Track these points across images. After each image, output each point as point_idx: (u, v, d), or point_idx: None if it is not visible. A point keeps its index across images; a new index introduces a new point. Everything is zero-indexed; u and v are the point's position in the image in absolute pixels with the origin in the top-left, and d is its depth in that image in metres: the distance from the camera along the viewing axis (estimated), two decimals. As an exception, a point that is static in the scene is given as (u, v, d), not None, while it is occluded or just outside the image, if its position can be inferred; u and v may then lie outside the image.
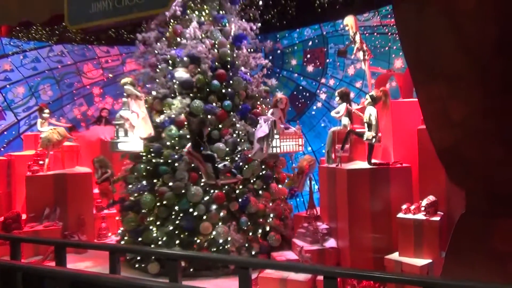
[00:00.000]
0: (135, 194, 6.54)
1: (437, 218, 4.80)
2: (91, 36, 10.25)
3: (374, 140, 5.34)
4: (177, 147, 6.40)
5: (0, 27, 6.55)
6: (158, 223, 6.23)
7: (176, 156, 6.31)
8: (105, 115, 9.34)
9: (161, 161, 6.39)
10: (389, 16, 7.80)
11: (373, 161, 5.39)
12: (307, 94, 9.08)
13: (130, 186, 6.65)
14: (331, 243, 5.54)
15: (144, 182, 6.37)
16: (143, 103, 6.11)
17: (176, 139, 6.46)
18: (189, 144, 5.35)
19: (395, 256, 4.91)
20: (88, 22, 5.74)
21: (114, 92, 10.36)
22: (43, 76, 9.71)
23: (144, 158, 6.55)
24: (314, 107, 9.00)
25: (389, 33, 7.79)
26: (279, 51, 9.34)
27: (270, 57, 9.30)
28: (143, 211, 6.39)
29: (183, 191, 6.12)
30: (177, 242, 6.02)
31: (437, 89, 4.44)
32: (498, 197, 3.93)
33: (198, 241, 6.02)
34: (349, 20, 6.52)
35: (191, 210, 6.11)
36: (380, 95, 5.32)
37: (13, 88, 9.21)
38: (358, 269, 4.21)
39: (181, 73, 6.73)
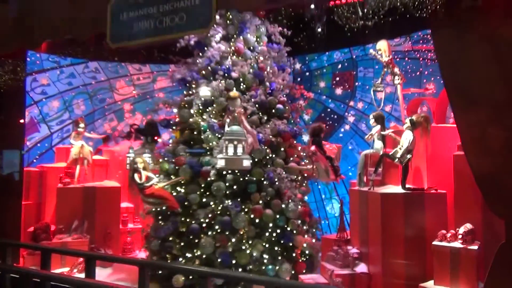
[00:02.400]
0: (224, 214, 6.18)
1: (475, 247, 4.67)
2: (123, 54, 10.59)
3: (397, 160, 5.30)
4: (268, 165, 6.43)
5: (42, 42, 6.81)
6: (250, 242, 6.04)
7: (268, 175, 6.28)
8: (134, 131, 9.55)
9: (254, 179, 6.27)
10: (421, 41, 7.81)
11: (407, 186, 5.32)
12: (335, 117, 9.10)
13: (211, 205, 6.24)
14: (362, 268, 5.43)
15: (229, 201, 6.11)
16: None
17: (268, 157, 6.48)
18: (312, 147, 6.13)
19: (430, 284, 4.77)
20: (129, 41, 5.96)
21: (144, 108, 10.60)
22: (78, 91, 10.02)
23: (228, 176, 6.28)
24: (342, 130, 8.99)
25: (421, 58, 7.79)
26: (307, 73, 9.43)
27: (299, 79, 9.41)
28: (225, 232, 6.05)
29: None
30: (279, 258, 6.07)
31: (476, 116, 4.41)
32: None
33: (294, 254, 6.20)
34: (382, 45, 6.57)
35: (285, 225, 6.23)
36: (420, 120, 5.29)
37: (49, 102, 9.52)
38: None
39: (205, 91, 6.88)
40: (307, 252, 6.44)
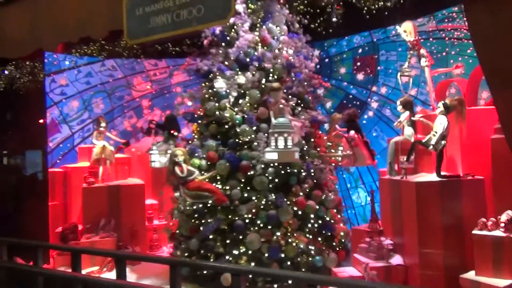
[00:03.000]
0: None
1: (519, 235, 4.44)
2: (138, 50, 10.51)
3: (432, 147, 5.07)
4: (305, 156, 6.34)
5: (59, 44, 6.74)
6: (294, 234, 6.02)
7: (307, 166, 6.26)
8: (154, 126, 9.51)
9: (295, 171, 6.21)
10: (446, 20, 7.47)
11: (442, 173, 5.10)
12: (358, 103, 8.83)
13: (253, 199, 6.11)
14: (397, 259, 5.27)
15: (272, 195, 6.02)
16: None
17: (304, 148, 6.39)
18: (352, 132, 6.15)
19: (471, 275, 4.57)
20: (147, 37, 5.82)
21: (162, 104, 10.54)
22: (96, 90, 10.00)
23: (270, 169, 6.14)
24: (365, 116, 8.73)
25: (446, 38, 7.45)
26: (327, 60, 9.17)
27: (318, 66, 9.16)
28: (268, 227, 5.96)
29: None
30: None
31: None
32: None
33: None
34: (407, 26, 6.28)
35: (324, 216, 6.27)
36: (454, 103, 5.03)
37: (68, 102, 9.53)
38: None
39: (221, 83, 6.72)
40: (343, 240, 6.45)
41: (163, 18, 5.78)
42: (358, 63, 8.89)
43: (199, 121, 6.96)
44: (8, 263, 6.00)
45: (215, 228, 5.97)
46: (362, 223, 8.53)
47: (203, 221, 6.18)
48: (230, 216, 6.01)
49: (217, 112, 6.51)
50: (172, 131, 7.11)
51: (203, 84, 7.32)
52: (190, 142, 6.97)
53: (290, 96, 6.42)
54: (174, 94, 10.65)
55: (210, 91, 6.89)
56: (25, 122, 7.78)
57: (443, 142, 4.98)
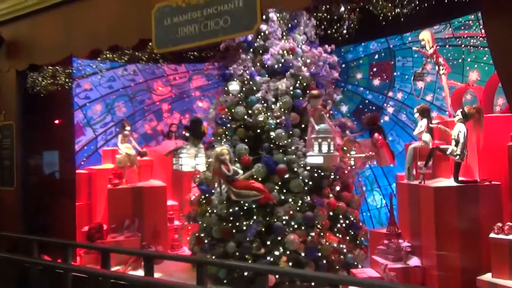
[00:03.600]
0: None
1: (535, 239, 4.61)
2: (157, 55, 10.80)
3: (458, 157, 5.25)
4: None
5: (89, 50, 7.04)
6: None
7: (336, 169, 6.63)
8: (174, 130, 9.81)
9: (327, 173, 6.57)
10: (462, 27, 7.62)
11: (459, 178, 5.28)
12: (374, 108, 9.02)
13: (289, 201, 6.33)
14: (415, 261, 5.47)
15: (308, 197, 6.30)
16: None
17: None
18: (375, 134, 6.37)
19: (488, 277, 4.76)
20: (174, 46, 6.09)
21: (181, 108, 10.84)
22: (118, 94, 10.34)
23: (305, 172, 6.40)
24: (382, 121, 8.88)
25: (463, 45, 7.60)
26: (343, 65, 9.37)
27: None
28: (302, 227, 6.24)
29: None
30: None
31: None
32: None
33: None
34: (425, 35, 6.48)
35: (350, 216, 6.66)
36: (472, 111, 5.23)
37: (92, 106, 9.89)
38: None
39: (235, 86, 6.97)
40: (362, 239, 6.80)
41: (191, 28, 6.04)
42: (375, 69, 9.07)
43: (227, 125, 7.08)
44: (40, 260, 6.35)
45: (256, 230, 6.13)
46: (378, 225, 8.70)
47: (237, 223, 6.36)
48: (268, 218, 6.23)
49: (245, 117, 6.72)
50: (199, 134, 7.22)
51: (226, 89, 7.51)
52: (214, 145, 7.15)
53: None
54: (193, 98, 10.96)
55: (239, 95, 7.05)
56: (55, 125, 8.11)
57: (465, 151, 5.18)
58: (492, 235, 4.82)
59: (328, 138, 5.45)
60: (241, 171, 6.13)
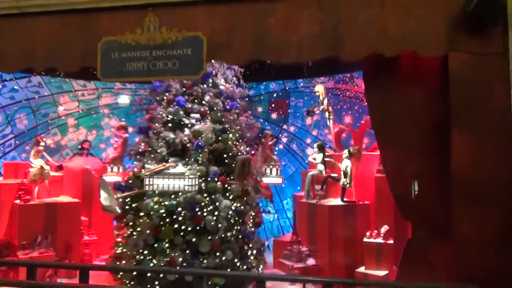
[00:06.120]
0: None
1: (391, 241, 6.76)
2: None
3: (348, 185, 7.22)
4: None
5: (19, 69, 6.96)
6: None
7: None
8: (87, 147, 9.95)
9: None
10: (341, 82, 9.96)
11: (344, 199, 7.26)
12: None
13: None
14: (311, 261, 7.21)
15: None
16: None
17: None
18: None
19: (362, 269, 6.74)
20: (121, 78, 6.70)
21: (88, 123, 10.95)
22: (20, 105, 9.99)
23: None
24: (277, 148, 10.73)
25: (341, 95, 9.95)
26: (247, 99, 10.97)
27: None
28: None
29: None
30: None
31: (395, 151, 6.39)
32: (432, 227, 5.84)
33: None
34: (319, 88, 8.48)
35: None
36: (355, 151, 7.25)
37: (-9, 116, 9.41)
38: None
39: (125, 99, 7.71)
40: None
41: (139, 64, 6.74)
42: (273, 105, 10.93)
43: None
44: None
45: None
46: (270, 236, 10.41)
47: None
48: None
49: None
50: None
51: None
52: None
53: None
54: (101, 115, 11.16)
55: None
56: None
57: (351, 180, 7.18)
58: (365, 239, 6.83)
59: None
60: None
